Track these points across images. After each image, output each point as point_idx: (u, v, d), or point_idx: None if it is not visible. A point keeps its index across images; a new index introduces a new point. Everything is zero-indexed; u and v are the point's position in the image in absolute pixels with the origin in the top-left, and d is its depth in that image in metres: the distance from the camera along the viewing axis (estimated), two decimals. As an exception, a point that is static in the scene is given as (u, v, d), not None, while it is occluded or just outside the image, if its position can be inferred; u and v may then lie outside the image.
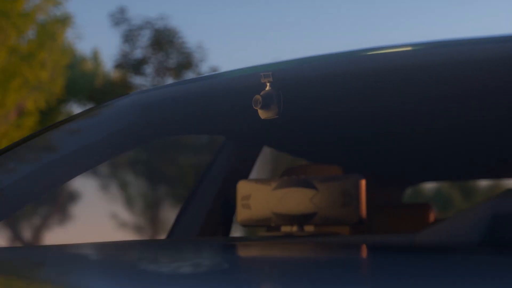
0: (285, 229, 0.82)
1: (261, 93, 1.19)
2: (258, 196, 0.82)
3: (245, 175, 1.89)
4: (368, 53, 1.25)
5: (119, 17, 20.16)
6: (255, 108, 1.15)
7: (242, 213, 0.87)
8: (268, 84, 1.21)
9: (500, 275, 0.48)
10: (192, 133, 1.53)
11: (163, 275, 0.55)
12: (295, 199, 0.79)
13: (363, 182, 0.81)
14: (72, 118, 1.41)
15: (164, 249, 0.80)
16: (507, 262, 0.54)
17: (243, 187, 0.88)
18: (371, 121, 1.52)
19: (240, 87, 1.27)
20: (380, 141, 1.74)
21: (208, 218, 1.84)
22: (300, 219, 0.79)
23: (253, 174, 1.87)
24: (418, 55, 1.19)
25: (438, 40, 1.23)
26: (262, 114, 1.16)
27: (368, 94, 1.30)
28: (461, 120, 1.49)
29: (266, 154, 1.91)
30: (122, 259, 0.70)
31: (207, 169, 1.88)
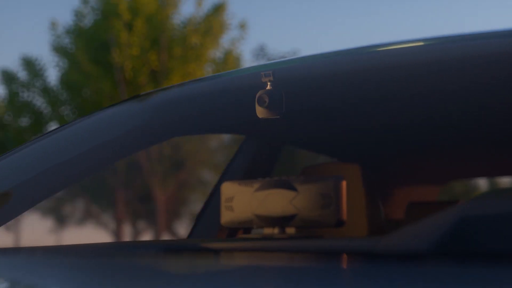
0: (267, 231, 0.82)
1: (262, 92, 1.17)
2: (241, 198, 0.82)
3: (265, 174, 1.88)
4: (384, 48, 1.22)
5: (259, 53, 24.04)
6: (260, 106, 1.13)
7: (225, 215, 0.87)
8: (269, 83, 1.19)
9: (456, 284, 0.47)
10: (212, 132, 1.52)
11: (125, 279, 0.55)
12: (276, 201, 0.79)
13: (343, 184, 0.80)
14: (85, 118, 1.42)
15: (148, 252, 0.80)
16: (464, 270, 0.51)
17: (226, 189, 0.88)
18: (395, 118, 1.49)
19: (261, 84, 1.26)
20: (405, 139, 1.71)
21: None
22: (281, 221, 0.79)
23: (275, 173, 1.86)
24: (439, 49, 1.16)
25: (449, 35, 1.20)
26: (262, 113, 1.14)
27: (389, 90, 1.27)
28: (493, 115, 1.44)
29: (286, 153, 1.89)
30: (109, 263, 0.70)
31: (228, 168, 1.87)
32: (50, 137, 1.36)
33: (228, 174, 1.87)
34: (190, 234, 1.86)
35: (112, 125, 1.38)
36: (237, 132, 1.63)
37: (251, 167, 1.84)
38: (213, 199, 1.85)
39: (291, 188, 0.81)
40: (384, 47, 1.22)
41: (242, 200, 0.82)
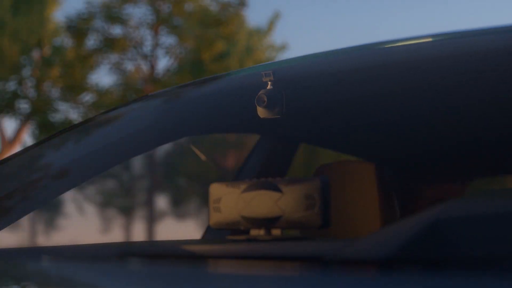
0: (254, 232, 0.82)
1: (264, 92, 1.16)
2: (228, 200, 0.82)
3: (280, 173, 1.87)
4: (398, 44, 1.21)
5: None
6: (259, 107, 1.12)
7: (213, 217, 0.86)
8: (269, 83, 1.18)
9: None
10: (227, 131, 1.52)
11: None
12: (262, 203, 0.79)
13: (328, 185, 0.79)
14: (94, 118, 1.43)
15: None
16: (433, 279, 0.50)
17: (214, 190, 0.87)
18: (411, 115, 1.47)
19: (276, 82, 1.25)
20: (422, 137, 1.68)
21: None
22: (267, 223, 0.79)
23: (290, 172, 1.85)
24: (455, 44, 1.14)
25: (461, 30, 1.17)
26: (263, 113, 1.14)
27: (404, 87, 1.26)
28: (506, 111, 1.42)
29: (301, 151, 1.88)
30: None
31: (242, 167, 1.87)
32: (57, 138, 1.37)
33: (242, 174, 1.86)
34: (205, 233, 1.87)
35: (125, 124, 1.38)
36: (251, 131, 1.63)
37: (266, 166, 1.84)
38: None
39: (276, 189, 0.80)
40: (398, 43, 1.20)
41: (229, 202, 0.81)
